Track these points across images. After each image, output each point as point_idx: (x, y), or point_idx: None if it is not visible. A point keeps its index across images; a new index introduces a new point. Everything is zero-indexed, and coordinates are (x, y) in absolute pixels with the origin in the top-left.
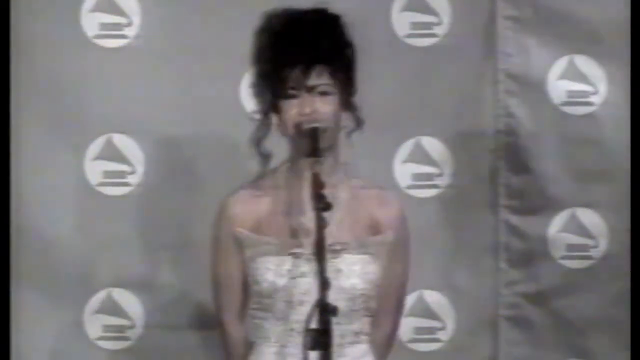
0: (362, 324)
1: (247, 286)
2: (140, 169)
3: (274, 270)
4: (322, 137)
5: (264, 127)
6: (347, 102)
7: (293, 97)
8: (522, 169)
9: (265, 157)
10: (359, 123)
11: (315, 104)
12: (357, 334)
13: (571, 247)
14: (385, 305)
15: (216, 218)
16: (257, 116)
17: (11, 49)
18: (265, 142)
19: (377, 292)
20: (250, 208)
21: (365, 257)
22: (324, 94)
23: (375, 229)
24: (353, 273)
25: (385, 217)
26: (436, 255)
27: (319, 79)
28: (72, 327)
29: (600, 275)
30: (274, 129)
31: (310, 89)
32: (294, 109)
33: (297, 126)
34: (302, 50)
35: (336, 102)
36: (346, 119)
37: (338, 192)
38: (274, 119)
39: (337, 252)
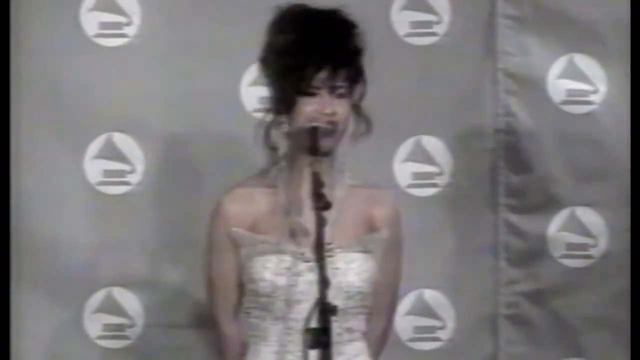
0: (358, 321)
1: (242, 286)
2: (140, 168)
3: (272, 269)
4: (333, 137)
5: (274, 120)
6: (356, 106)
7: (313, 94)
8: (521, 168)
9: (274, 150)
10: (368, 127)
11: (334, 105)
12: (353, 331)
13: (571, 246)
14: (379, 303)
15: (211, 217)
16: (265, 110)
17: (11, 48)
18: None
19: (372, 290)
20: (246, 207)
21: (362, 254)
22: (341, 96)
23: (370, 227)
24: (350, 271)
25: (379, 215)
26: (436, 255)
27: (340, 81)
28: (72, 326)
29: (600, 275)
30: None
31: (332, 90)
32: (311, 106)
33: (312, 123)
34: (330, 51)
35: (348, 105)
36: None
37: (333, 191)
38: (281, 115)
39: (333, 251)
